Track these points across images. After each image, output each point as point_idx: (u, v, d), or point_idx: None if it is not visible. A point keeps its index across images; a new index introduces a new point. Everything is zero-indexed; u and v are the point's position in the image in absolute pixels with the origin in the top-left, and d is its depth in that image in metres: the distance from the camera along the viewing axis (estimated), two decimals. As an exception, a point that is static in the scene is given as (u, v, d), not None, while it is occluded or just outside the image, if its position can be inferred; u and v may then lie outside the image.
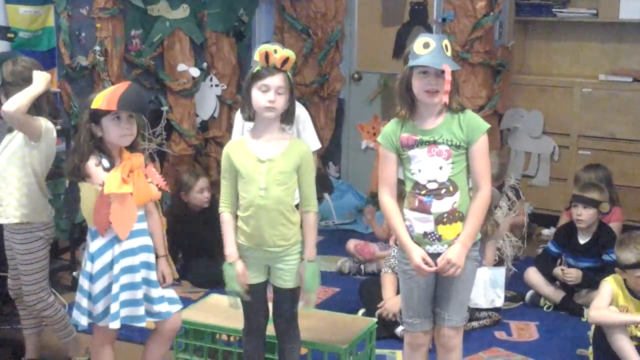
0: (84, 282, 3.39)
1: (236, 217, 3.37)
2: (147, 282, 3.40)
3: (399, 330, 4.31)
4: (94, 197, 3.30)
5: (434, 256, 3.19)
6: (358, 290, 4.83)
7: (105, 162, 3.31)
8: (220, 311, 4.01)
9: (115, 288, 3.32)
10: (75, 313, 3.43)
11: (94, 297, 3.35)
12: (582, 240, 4.86)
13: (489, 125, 3.22)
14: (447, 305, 3.29)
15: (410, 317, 3.36)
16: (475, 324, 4.55)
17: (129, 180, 3.29)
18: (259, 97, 3.23)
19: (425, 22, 6.73)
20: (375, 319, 4.08)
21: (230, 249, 3.35)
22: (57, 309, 3.94)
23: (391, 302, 4.43)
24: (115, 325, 3.33)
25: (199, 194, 5.42)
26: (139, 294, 3.37)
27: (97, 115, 3.30)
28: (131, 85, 3.35)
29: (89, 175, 3.30)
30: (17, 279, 3.90)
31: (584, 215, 4.79)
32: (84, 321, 3.40)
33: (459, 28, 6.36)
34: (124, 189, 3.26)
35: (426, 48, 3.09)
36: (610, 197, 5.25)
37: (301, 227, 3.39)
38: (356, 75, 7.16)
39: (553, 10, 6.52)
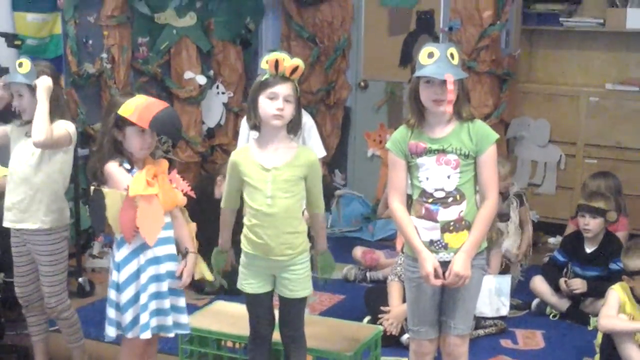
0: (111, 293, 3.35)
1: (242, 223, 3.37)
2: (173, 291, 3.37)
3: (404, 338, 4.30)
4: (119, 203, 3.24)
5: (441, 264, 3.17)
6: (364, 298, 4.83)
7: (127, 165, 3.28)
8: (226, 318, 4.02)
9: (143, 298, 3.29)
10: (106, 324, 3.39)
11: (121, 306, 3.31)
12: (589, 249, 4.85)
13: (498, 136, 3.21)
14: (453, 314, 3.27)
15: (416, 325, 3.35)
16: (480, 332, 4.54)
17: (154, 182, 3.25)
18: (267, 105, 3.21)
19: (432, 31, 6.73)
20: (381, 327, 4.07)
21: (224, 241, 3.50)
22: (73, 312, 3.94)
23: (396, 311, 4.42)
24: (146, 335, 3.29)
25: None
26: (167, 303, 3.34)
27: (121, 122, 3.26)
28: (168, 109, 3.29)
29: (111, 178, 3.26)
30: (29, 285, 3.87)
31: (592, 224, 4.78)
32: (111, 332, 3.36)
33: (466, 37, 6.36)
34: (149, 190, 3.22)
35: (430, 58, 3.09)
36: (618, 205, 5.24)
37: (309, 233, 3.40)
38: (362, 84, 7.17)
39: (560, 19, 6.52)
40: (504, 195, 5.40)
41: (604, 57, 6.61)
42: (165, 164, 3.38)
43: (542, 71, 6.85)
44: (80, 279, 5.10)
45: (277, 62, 3.19)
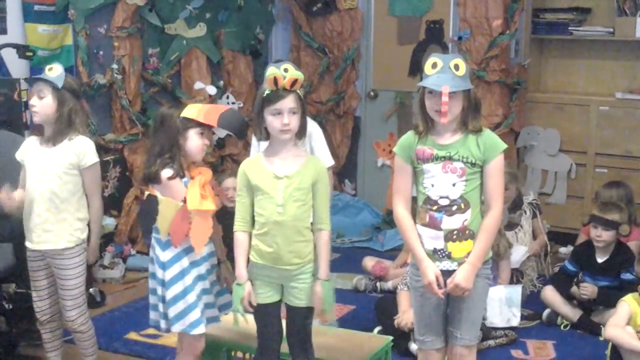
0: (156, 287, 3.50)
1: (251, 235, 3.37)
2: (214, 285, 3.57)
3: (413, 347, 4.29)
4: (173, 212, 3.39)
5: (444, 273, 3.17)
6: (374, 308, 4.82)
7: (182, 176, 3.42)
8: (236, 328, 4.01)
9: (191, 297, 3.44)
10: (155, 314, 3.57)
11: (167, 301, 3.46)
12: (600, 259, 4.82)
13: (506, 146, 3.20)
14: (459, 324, 3.27)
15: (422, 335, 3.35)
16: (491, 342, 4.52)
17: (207, 195, 3.39)
18: (274, 121, 3.22)
19: (441, 40, 6.74)
20: (391, 337, 4.05)
21: (240, 271, 3.34)
22: (91, 325, 3.94)
23: (407, 314, 4.39)
24: (199, 330, 3.47)
25: (225, 191, 5.37)
26: (212, 297, 3.54)
27: (185, 125, 3.41)
28: (232, 109, 3.46)
29: (169, 187, 3.38)
30: (47, 299, 3.85)
31: (604, 236, 4.74)
32: (163, 324, 3.53)
33: (475, 46, 6.38)
34: (205, 205, 3.37)
35: (434, 68, 3.11)
36: (630, 216, 5.21)
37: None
38: (372, 93, 7.18)
39: (569, 28, 6.51)
40: (515, 204, 5.39)
41: (614, 66, 6.59)
42: (209, 172, 3.51)
43: (551, 80, 6.84)
44: (91, 290, 5.10)
45: (275, 79, 3.19)
